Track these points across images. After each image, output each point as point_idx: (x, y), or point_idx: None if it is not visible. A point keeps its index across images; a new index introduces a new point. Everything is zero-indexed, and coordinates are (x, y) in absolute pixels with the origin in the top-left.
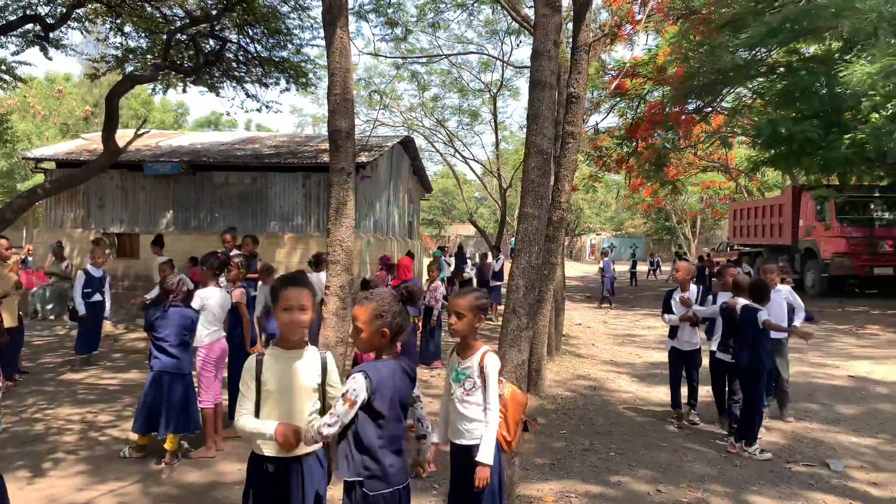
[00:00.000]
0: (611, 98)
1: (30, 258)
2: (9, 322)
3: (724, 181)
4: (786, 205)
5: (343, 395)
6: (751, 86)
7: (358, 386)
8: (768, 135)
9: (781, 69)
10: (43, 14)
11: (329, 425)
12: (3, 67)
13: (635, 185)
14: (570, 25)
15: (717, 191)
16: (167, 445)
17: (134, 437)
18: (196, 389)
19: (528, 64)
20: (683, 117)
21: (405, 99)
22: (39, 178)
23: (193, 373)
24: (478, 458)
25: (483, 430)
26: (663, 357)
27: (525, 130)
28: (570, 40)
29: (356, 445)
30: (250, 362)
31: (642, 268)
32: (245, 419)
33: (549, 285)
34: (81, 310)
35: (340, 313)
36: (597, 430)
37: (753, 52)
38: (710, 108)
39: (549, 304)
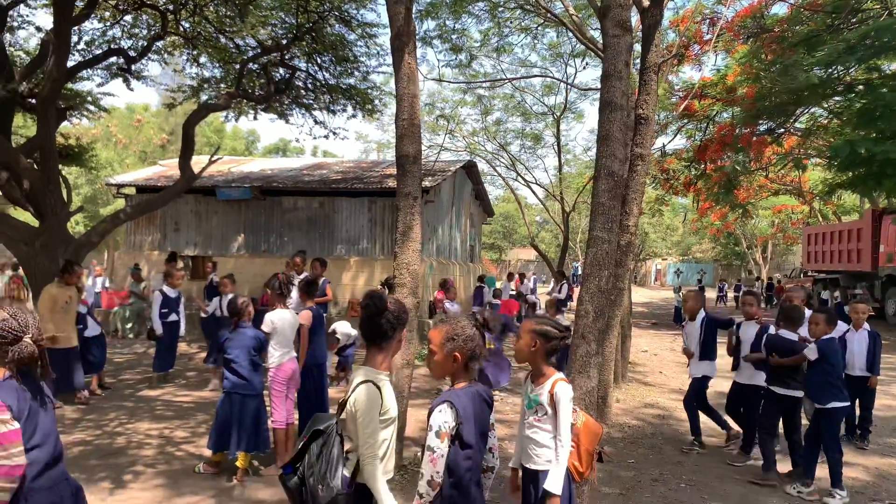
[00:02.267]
0: (678, 120)
1: (99, 279)
2: (65, 342)
3: (797, 205)
4: (865, 229)
5: (436, 431)
6: (826, 105)
7: (448, 417)
8: (846, 156)
9: (860, 87)
10: (126, 47)
11: (437, 472)
12: (89, 98)
13: (703, 208)
14: (637, 46)
15: (789, 215)
16: (239, 463)
17: (208, 453)
18: (268, 409)
19: (593, 86)
20: (754, 139)
21: (468, 123)
22: (120, 203)
23: (265, 392)
24: (546, 487)
25: (552, 457)
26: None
27: (589, 153)
28: (638, 61)
29: (448, 479)
30: (370, 392)
31: (710, 294)
32: (380, 469)
33: (616, 311)
34: (158, 329)
35: (406, 336)
36: (666, 459)
37: (830, 70)
38: (782, 129)
39: (616, 329)
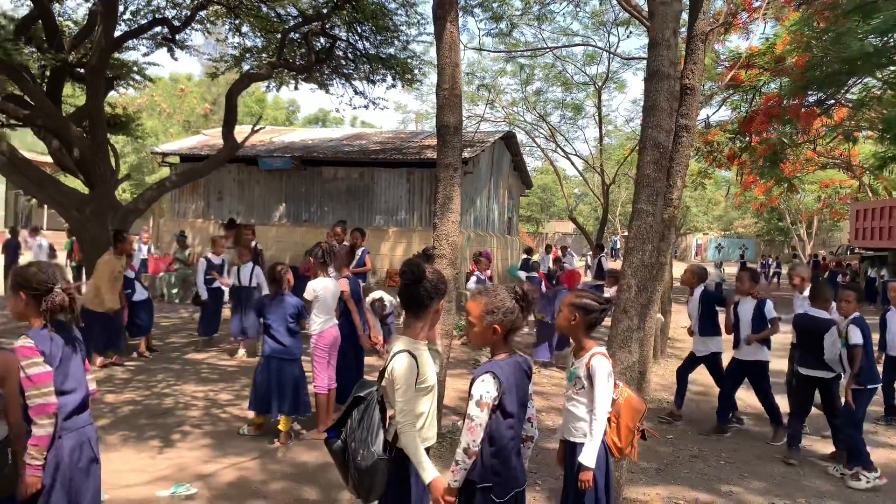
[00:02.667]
0: (724, 90)
1: (145, 245)
2: (111, 304)
3: (845, 179)
4: None
5: (477, 401)
6: (881, 75)
7: (490, 387)
8: None
9: None
10: (170, 17)
11: (474, 440)
12: (135, 68)
13: (747, 182)
14: (684, 14)
15: (837, 189)
16: (281, 426)
17: (251, 415)
18: (308, 375)
19: (636, 55)
20: (803, 110)
21: (508, 93)
22: (165, 171)
23: (303, 358)
24: (579, 459)
25: (587, 430)
26: (777, 364)
27: (631, 124)
28: (684, 30)
29: (490, 448)
30: (407, 360)
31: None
32: (413, 434)
33: (658, 286)
34: (203, 295)
35: (444, 307)
36: (705, 436)
37: (885, 38)
38: (833, 101)
39: (657, 305)
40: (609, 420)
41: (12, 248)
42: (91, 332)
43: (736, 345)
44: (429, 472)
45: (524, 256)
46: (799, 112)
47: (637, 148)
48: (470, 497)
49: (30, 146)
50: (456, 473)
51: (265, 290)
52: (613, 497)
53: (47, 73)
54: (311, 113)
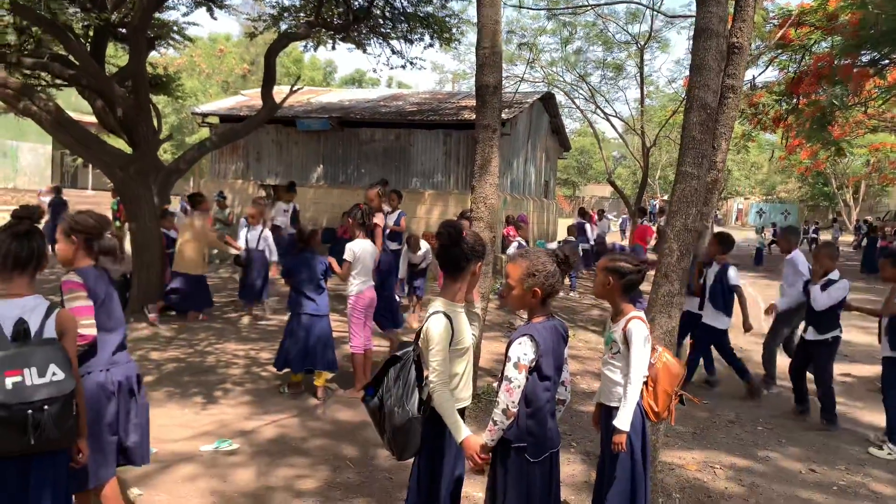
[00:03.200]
0: (772, 50)
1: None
2: (195, 268)
3: None
4: None
5: (515, 363)
6: None
7: (527, 350)
8: None
9: None
10: None
11: (512, 402)
12: (175, 28)
13: (793, 145)
14: None
15: (887, 154)
16: (317, 382)
17: (277, 372)
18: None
19: (681, 13)
20: (855, 71)
21: (547, 53)
22: (205, 132)
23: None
24: (613, 423)
25: (622, 394)
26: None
27: (673, 85)
28: None
29: (526, 410)
30: (442, 321)
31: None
32: (446, 394)
33: (700, 250)
34: (243, 255)
35: (481, 269)
36: (743, 402)
37: None
38: (887, 61)
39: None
40: (646, 384)
41: (58, 207)
42: (181, 291)
43: (701, 306)
44: (461, 431)
45: (579, 220)
46: (851, 72)
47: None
48: (504, 456)
49: (74, 106)
50: (493, 433)
51: (274, 255)
52: (649, 460)
53: (90, 33)
54: (348, 73)
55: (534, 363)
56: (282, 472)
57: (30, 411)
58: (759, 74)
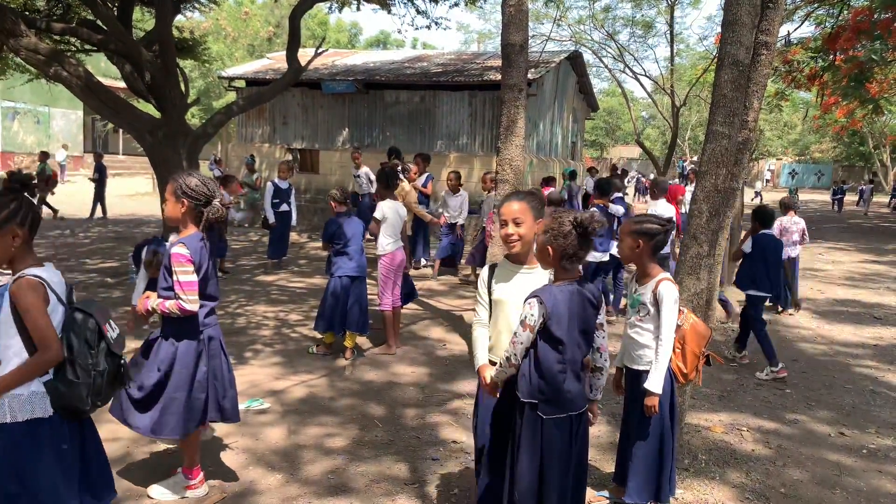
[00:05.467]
0: (808, 4)
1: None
2: None
3: None
4: None
5: (521, 321)
6: None
7: (534, 311)
8: None
9: None
10: None
11: (515, 354)
12: None
13: (828, 104)
14: None
15: None
16: (347, 343)
17: (319, 335)
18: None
19: None
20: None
21: (574, 10)
22: (232, 95)
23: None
24: (646, 386)
25: (653, 357)
26: (848, 294)
27: (704, 43)
28: None
29: (535, 369)
30: (484, 271)
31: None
32: (477, 330)
33: (729, 212)
34: (271, 218)
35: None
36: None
37: None
38: None
39: (726, 231)
40: (673, 346)
41: (101, 171)
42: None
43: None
44: (478, 359)
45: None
46: (891, 26)
47: (711, 67)
48: (520, 410)
49: (103, 72)
50: (496, 373)
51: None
52: (677, 421)
53: None
54: (373, 35)
55: (541, 325)
56: (311, 431)
57: (123, 361)
58: (795, 30)
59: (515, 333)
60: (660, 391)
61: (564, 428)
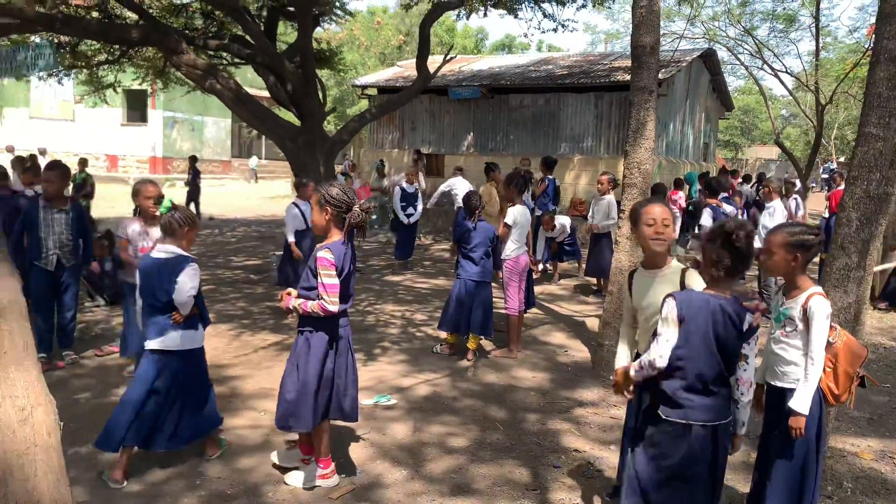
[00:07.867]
0: None
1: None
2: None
3: None
4: None
5: (664, 318)
6: None
7: (669, 308)
8: None
9: None
10: None
11: (661, 356)
12: (337, 3)
13: None
14: None
15: None
16: (470, 345)
17: (444, 335)
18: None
19: None
20: None
21: (707, 7)
22: (364, 103)
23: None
24: (791, 405)
25: (801, 375)
26: None
27: (855, 35)
28: None
29: (654, 369)
30: (626, 278)
31: None
32: (623, 328)
33: (882, 220)
34: (405, 220)
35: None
36: None
37: None
38: None
39: (878, 241)
40: (824, 365)
41: (196, 174)
42: None
43: None
44: (618, 360)
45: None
46: None
47: (863, 61)
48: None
49: (249, 83)
50: (636, 372)
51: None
52: (823, 445)
53: (263, 13)
54: (498, 39)
55: (677, 323)
56: (434, 429)
57: None
58: None
59: (659, 335)
60: (807, 412)
61: (694, 439)
